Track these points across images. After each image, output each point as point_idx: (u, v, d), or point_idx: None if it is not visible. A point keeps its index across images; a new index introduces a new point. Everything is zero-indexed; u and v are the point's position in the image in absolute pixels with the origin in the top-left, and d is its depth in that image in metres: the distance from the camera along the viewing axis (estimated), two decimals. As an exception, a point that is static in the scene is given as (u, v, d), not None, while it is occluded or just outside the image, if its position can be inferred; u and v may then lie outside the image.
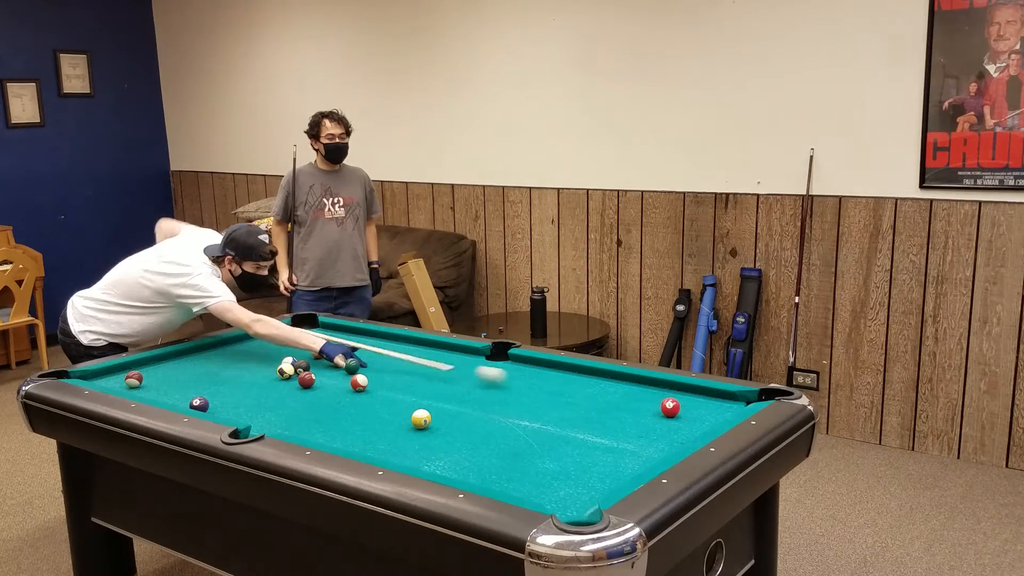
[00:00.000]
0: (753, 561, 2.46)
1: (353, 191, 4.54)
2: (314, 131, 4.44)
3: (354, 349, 3.23)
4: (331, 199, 4.48)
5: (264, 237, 3.53)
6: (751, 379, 4.71)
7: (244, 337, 3.51)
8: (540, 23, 5.14)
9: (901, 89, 4.10)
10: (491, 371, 2.87)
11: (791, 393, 2.53)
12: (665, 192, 4.86)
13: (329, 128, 4.40)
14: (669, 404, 2.52)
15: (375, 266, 4.73)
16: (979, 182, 3.97)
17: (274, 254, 3.55)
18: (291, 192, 4.48)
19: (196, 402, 2.63)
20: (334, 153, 4.44)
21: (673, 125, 4.77)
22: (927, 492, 3.88)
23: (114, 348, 3.44)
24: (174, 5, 7.06)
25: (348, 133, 4.47)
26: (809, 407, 2.46)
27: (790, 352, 4.53)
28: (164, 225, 3.86)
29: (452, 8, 5.49)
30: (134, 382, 2.87)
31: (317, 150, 4.48)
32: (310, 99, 6.27)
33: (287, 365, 3.00)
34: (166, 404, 2.61)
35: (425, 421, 2.44)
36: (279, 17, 6.39)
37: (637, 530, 1.72)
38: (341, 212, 4.50)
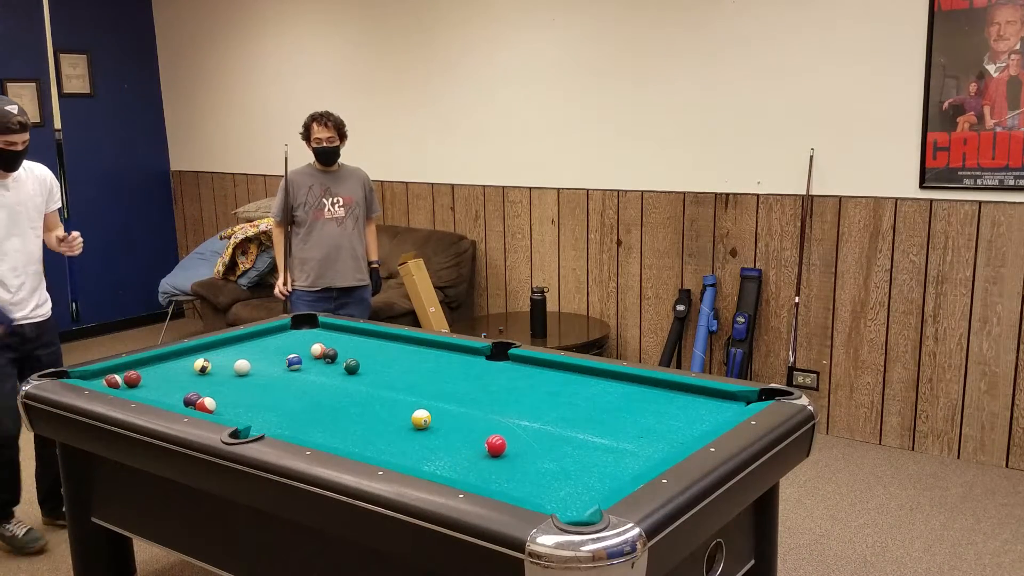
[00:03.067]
0: (753, 561, 2.46)
1: (352, 191, 4.54)
2: (305, 134, 4.46)
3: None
4: (331, 199, 4.48)
5: (12, 108, 3.26)
6: (751, 379, 4.71)
7: (244, 337, 3.51)
8: (540, 23, 5.14)
9: (901, 89, 4.10)
10: (239, 363, 3.03)
11: (791, 393, 2.53)
12: (665, 192, 4.86)
13: (316, 132, 4.40)
14: (496, 441, 2.24)
15: (375, 266, 4.74)
16: (979, 182, 3.97)
17: (24, 125, 3.29)
18: (286, 192, 4.48)
19: (191, 396, 2.64)
20: (323, 157, 4.46)
21: (673, 125, 4.77)
22: (927, 492, 3.88)
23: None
24: (174, 5, 7.06)
25: (342, 136, 4.47)
26: (809, 407, 2.46)
27: (790, 352, 4.53)
28: None
29: (452, 8, 5.49)
30: (118, 379, 2.86)
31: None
32: (310, 99, 6.27)
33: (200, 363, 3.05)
34: (166, 404, 2.61)
35: (425, 421, 2.44)
36: (279, 17, 6.39)
37: (637, 530, 1.72)
38: (341, 212, 4.50)
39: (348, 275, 4.54)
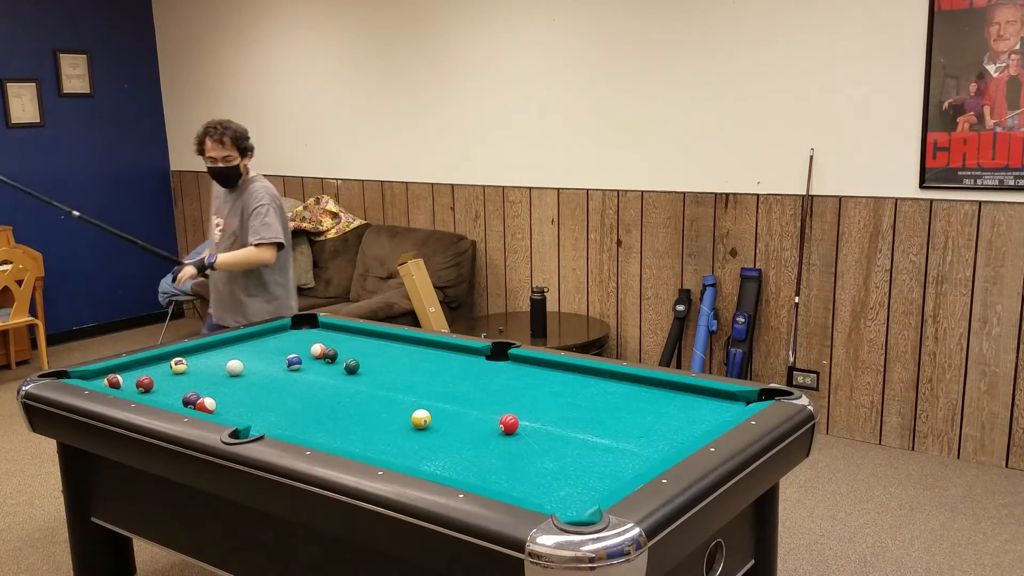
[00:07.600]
0: (753, 561, 2.46)
1: (234, 216, 3.77)
2: (199, 149, 3.69)
3: None
4: (216, 219, 3.85)
5: None
6: (751, 379, 4.71)
7: (244, 337, 3.51)
8: (540, 23, 5.14)
9: (901, 89, 4.10)
10: (232, 364, 3.02)
11: (791, 393, 2.53)
12: (665, 192, 4.86)
13: (209, 149, 3.66)
14: (509, 420, 2.41)
15: (210, 262, 3.72)
16: (979, 182, 3.97)
17: None
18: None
19: (191, 396, 2.64)
20: (217, 179, 3.74)
21: (673, 125, 4.77)
22: (927, 492, 3.88)
23: None
24: (174, 5, 7.06)
25: (243, 151, 3.67)
26: (809, 407, 2.46)
27: (790, 352, 4.53)
28: None
29: (452, 8, 5.49)
30: (119, 379, 2.87)
31: None
32: (310, 99, 6.28)
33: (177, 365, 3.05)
34: (166, 404, 2.61)
35: (425, 421, 2.44)
36: (279, 17, 6.39)
37: (637, 530, 1.72)
38: (217, 237, 3.88)
39: (224, 317, 3.91)
